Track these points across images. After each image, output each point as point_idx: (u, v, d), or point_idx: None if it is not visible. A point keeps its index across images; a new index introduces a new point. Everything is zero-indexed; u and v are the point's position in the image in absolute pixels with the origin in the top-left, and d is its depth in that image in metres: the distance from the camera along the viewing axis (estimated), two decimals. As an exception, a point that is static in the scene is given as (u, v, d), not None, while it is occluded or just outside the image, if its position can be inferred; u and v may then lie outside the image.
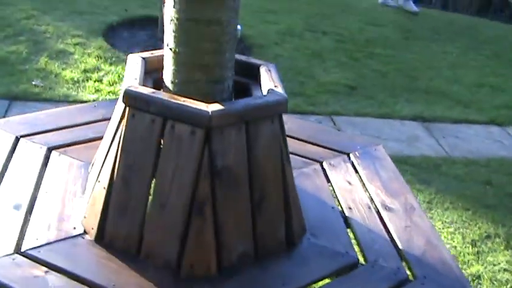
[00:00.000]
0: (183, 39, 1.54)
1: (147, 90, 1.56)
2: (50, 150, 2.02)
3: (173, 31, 1.55)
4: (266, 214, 1.65)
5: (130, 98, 1.54)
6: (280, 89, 1.65)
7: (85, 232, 1.66)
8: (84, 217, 1.69)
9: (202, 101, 1.51)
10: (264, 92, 1.67)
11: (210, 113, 1.47)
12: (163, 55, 1.71)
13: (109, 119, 1.95)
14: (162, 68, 1.70)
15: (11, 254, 1.52)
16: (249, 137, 1.56)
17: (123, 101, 1.55)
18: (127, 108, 1.56)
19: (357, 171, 2.17)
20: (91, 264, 1.58)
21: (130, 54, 1.76)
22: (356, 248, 1.78)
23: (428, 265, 1.74)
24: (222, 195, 1.55)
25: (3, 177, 1.84)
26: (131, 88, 1.54)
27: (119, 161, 1.58)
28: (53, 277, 1.47)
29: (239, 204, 1.60)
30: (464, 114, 4.13)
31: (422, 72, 4.92)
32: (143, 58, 1.76)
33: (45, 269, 1.49)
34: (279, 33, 5.19)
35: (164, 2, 1.59)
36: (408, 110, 4.14)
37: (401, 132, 3.84)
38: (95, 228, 1.63)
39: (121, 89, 1.67)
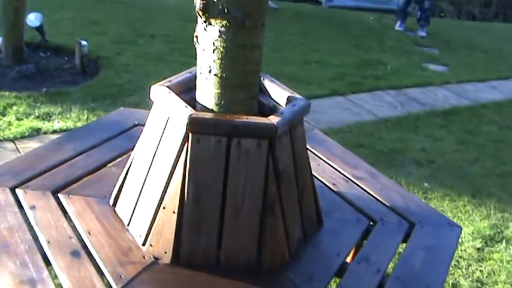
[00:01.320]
0: (230, 64, 1.73)
1: (209, 115, 1.72)
2: (55, 193, 2.00)
3: (218, 58, 1.72)
4: (307, 201, 1.94)
5: (195, 124, 1.68)
6: (297, 95, 1.93)
7: (156, 258, 1.76)
8: (151, 245, 1.77)
9: (250, 116, 1.73)
10: (281, 100, 1.92)
11: (276, 124, 1.70)
12: (182, 80, 1.87)
13: (83, 151, 2.20)
14: (183, 92, 1.86)
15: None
16: (292, 139, 1.83)
17: (187, 128, 1.68)
18: (190, 134, 1.69)
19: (315, 154, 2.53)
20: (183, 283, 1.70)
21: (156, 87, 1.86)
22: (359, 214, 2.16)
23: (415, 212, 2.20)
24: (285, 193, 1.80)
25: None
26: (194, 116, 1.68)
27: (188, 185, 1.71)
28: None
29: (293, 198, 1.86)
30: (311, 91, 4.74)
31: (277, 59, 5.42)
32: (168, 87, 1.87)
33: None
34: (113, 42, 5.22)
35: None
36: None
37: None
38: (169, 251, 1.75)
39: (172, 116, 1.75)
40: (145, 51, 5.17)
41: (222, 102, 1.77)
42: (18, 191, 1.99)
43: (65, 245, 1.76)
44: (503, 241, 3.06)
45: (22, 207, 1.91)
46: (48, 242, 1.76)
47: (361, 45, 6.64)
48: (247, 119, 1.72)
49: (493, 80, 6.35)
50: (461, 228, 2.18)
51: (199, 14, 1.71)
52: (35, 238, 1.78)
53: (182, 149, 1.72)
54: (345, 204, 2.19)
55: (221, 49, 1.71)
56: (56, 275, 1.65)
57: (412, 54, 6.76)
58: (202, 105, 1.81)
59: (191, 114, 1.68)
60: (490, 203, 3.42)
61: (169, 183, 1.75)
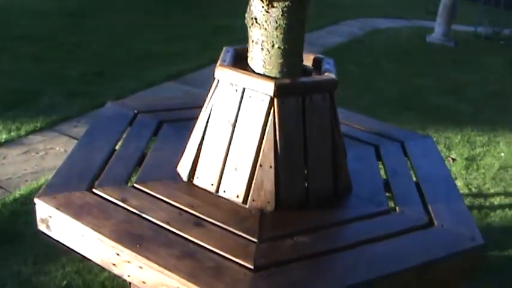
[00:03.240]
0: (290, 38, 2.07)
1: (287, 81, 2.07)
2: (127, 184, 2.18)
3: (281, 33, 2.05)
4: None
5: (281, 89, 2.02)
6: (320, 55, 2.35)
7: (261, 210, 2.08)
8: (253, 200, 2.09)
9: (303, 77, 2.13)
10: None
11: (336, 79, 2.12)
12: (231, 59, 2.18)
13: (116, 144, 2.41)
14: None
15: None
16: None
17: (274, 94, 2.01)
18: (275, 99, 2.03)
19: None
20: (294, 221, 2.07)
21: (221, 68, 2.13)
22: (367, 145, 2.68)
23: (397, 134, 2.79)
24: (340, 136, 2.24)
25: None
26: (279, 83, 2.02)
27: (279, 142, 2.06)
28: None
29: (342, 139, 2.30)
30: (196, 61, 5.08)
31: (138, 40, 5.56)
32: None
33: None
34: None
35: None
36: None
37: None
38: (272, 201, 2.08)
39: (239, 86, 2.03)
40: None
41: (285, 69, 2.12)
42: (96, 191, 2.10)
43: (184, 220, 1.98)
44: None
45: (114, 203, 2.05)
46: (168, 223, 1.96)
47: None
48: (312, 79, 2.10)
49: (328, 25, 7.32)
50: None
51: (261, 0, 2.02)
52: (154, 223, 1.96)
53: (269, 112, 2.04)
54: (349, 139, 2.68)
55: (283, 26, 2.05)
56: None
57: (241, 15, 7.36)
58: (265, 74, 2.13)
59: (276, 83, 2.01)
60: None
61: (261, 144, 2.06)
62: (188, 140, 2.28)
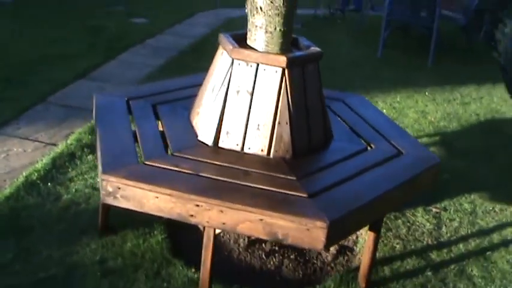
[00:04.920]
0: (288, 22, 2.63)
1: (296, 55, 2.63)
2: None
3: (282, 18, 2.60)
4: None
5: (291, 62, 2.58)
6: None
7: (283, 158, 2.64)
8: (276, 151, 2.63)
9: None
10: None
11: (321, 51, 2.74)
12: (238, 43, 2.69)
13: None
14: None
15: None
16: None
17: (286, 66, 2.57)
18: (286, 70, 2.59)
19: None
20: (311, 163, 2.65)
21: (236, 48, 2.61)
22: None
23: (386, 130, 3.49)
24: (323, 97, 2.87)
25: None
26: (290, 57, 2.58)
27: (291, 103, 2.62)
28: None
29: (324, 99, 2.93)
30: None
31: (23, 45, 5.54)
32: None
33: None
34: None
35: None
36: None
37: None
38: (290, 150, 2.63)
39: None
40: None
41: (283, 47, 2.68)
42: (148, 162, 2.48)
43: (233, 173, 2.46)
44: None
45: (170, 169, 2.45)
46: (222, 176, 2.43)
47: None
48: (306, 52, 2.70)
49: (187, 18, 7.83)
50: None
51: (267, -10, 2.55)
52: (212, 178, 2.41)
53: (282, 80, 2.59)
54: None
55: (283, 12, 2.61)
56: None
57: (114, 14, 7.61)
58: (268, 51, 2.66)
59: (287, 57, 2.57)
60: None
61: (278, 105, 2.60)
62: (193, 115, 2.73)
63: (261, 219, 2.20)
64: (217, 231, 2.47)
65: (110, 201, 2.36)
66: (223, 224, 2.26)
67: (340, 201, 2.32)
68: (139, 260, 2.76)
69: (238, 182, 2.38)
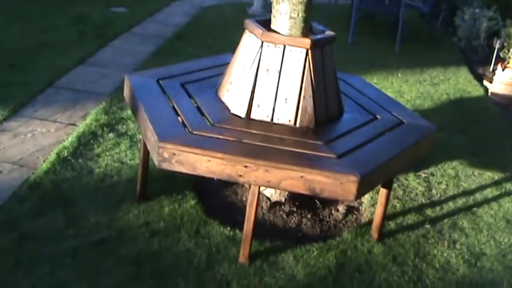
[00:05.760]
0: (308, 9, 3.02)
1: (316, 38, 3.02)
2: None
3: (304, 6, 2.99)
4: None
5: (314, 44, 2.97)
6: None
7: (307, 127, 3.03)
8: (301, 121, 3.02)
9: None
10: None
11: (334, 34, 3.15)
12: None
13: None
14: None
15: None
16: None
17: (310, 48, 2.96)
18: (310, 51, 2.98)
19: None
20: (330, 129, 3.06)
21: (265, 31, 2.98)
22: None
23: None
24: (336, 74, 3.28)
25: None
26: (313, 40, 2.97)
27: (314, 79, 3.02)
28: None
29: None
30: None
31: (15, 35, 5.70)
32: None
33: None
34: None
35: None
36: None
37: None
38: (312, 120, 3.02)
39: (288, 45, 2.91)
40: None
41: (304, 31, 3.07)
42: (196, 132, 2.83)
43: (270, 139, 2.84)
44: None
45: (216, 137, 2.81)
46: (262, 141, 2.80)
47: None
48: (324, 35, 3.09)
49: (165, 7, 8.09)
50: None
51: (293, -18, 2.93)
52: (254, 144, 2.78)
53: (306, 60, 2.97)
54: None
55: (305, 1, 2.99)
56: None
57: (94, 3, 7.80)
58: (290, 35, 3.04)
59: (311, 39, 2.96)
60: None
61: (302, 81, 2.99)
62: (222, 92, 3.09)
63: (302, 176, 2.58)
64: (260, 189, 2.83)
65: (165, 166, 2.69)
66: (268, 182, 2.63)
67: (365, 160, 2.73)
68: (179, 222, 3.10)
69: (277, 146, 2.75)
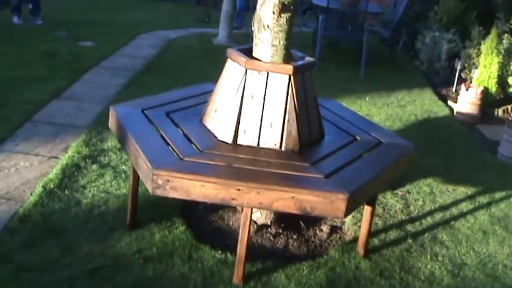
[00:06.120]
0: (288, 37, 3.17)
1: (297, 64, 3.16)
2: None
3: (284, 35, 3.14)
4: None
5: (296, 72, 3.10)
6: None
7: (292, 150, 3.16)
8: (287, 144, 3.14)
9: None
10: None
11: (314, 60, 3.30)
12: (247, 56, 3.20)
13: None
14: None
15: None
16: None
17: (292, 75, 3.09)
18: (292, 77, 3.12)
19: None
20: (310, 154, 3.19)
21: (248, 59, 3.11)
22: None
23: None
24: (316, 98, 3.43)
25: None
26: (295, 67, 3.11)
27: (297, 105, 3.15)
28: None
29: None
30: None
31: None
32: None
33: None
34: None
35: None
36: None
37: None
38: (297, 143, 3.14)
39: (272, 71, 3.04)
40: None
41: (286, 57, 3.21)
42: (186, 159, 2.92)
43: (258, 163, 2.95)
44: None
45: (207, 163, 2.90)
46: (252, 165, 2.91)
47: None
48: (304, 61, 3.24)
49: (130, 41, 8.21)
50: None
51: (275, 13, 3.08)
52: (244, 168, 2.89)
53: (289, 85, 3.11)
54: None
55: (286, 29, 3.14)
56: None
57: (61, 39, 7.83)
58: (272, 62, 3.18)
59: (293, 66, 3.10)
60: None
61: (286, 106, 3.11)
62: (207, 119, 3.20)
63: (293, 197, 2.69)
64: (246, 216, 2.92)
65: (159, 192, 2.76)
66: (260, 203, 2.73)
67: (351, 179, 2.86)
68: (171, 248, 3.16)
69: (266, 169, 2.86)
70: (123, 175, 3.91)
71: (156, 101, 3.66)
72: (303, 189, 2.70)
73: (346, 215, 2.76)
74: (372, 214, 3.27)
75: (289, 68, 3.07)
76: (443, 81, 7.64)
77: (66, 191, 3.62)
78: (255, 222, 3.54)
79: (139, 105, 3.54)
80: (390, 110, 6.08)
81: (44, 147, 4.24)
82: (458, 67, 7.03)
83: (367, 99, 6.43)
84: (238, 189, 2.71)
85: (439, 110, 6.25)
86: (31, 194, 3.53)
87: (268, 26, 3.11)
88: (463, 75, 7.04)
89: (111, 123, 3.46)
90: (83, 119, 4.88)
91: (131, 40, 8.46)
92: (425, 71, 8.03)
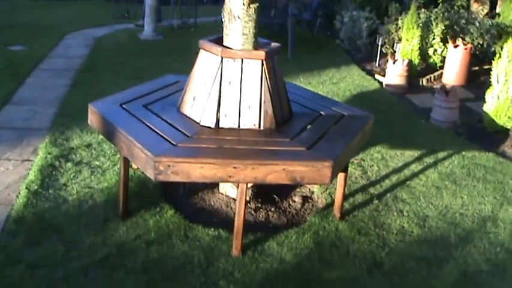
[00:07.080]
0: (256, 26, 3.47)
1: (269, 51, 3.45)
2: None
3: (253, 24, 3.42)
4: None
5: (267, 58, 3.39)
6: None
7: (270, 129, 3.46)
8: (264, 124, 3.44)
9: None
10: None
11: (280, 45, 3.61)
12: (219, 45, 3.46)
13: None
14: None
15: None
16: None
17: (264, 62, 3.38)
18: (265, 62, 3.42)
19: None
20: (285, 130, 3.51)
21: (223, 48, 3.37)
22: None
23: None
24: (283, 79, 3.74)
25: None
26: (267, 53, 3.41)
27: (271, 88, 3.45)
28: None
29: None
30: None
31: None
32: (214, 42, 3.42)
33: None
34: None
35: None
36: None
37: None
38: (273, 122, 3.45)
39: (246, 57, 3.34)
40: None
41: (255, 45, 3.50)
42: (180, 145, 3.15)
43: (245, 142, 3.23)
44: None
45: (200, 147, 3.15)
46: (238, 145, 3.19)
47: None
48: (272, 47, 3.55)
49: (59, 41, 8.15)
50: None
51: (245, 4, 3.35)
52: (234, 148, 3.16)
53: (262, 70, 3.39)
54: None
55: (254, 19, 3.42)
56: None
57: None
58: (245, 50, 3.45)
59: (265, 51, 3.39)
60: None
61: (261, 89, 3.39)
62: (186, 108, 3.44)
63: (284, 169, 3.00)
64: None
65: (162, 178, 2.98)
66: (255, 178, 3.01)
67: (330, 149, 3.21)
68: (167, 231, 3.38)
69: (254, 147, 3.15)
70: (99, 170, 4.05)
71: (129, 95, 3.83)
72: (293, 161, 3.01)
73: (331, 181, 3.10)
74: (346, 179, 3.65)
75: (262, 53, 3.36)
76: (365, 57, 8.19)
77: (50, 190, 3.72)
78: (234, 200, 3.82)
79: (116, 101, 3.69)
80: (326, 88, 6.50)
81: (12, 151, 4.28)
82: (380, 42, 7.57)
83: (301, 79, 6.82)
84: (235, 167, 2.97)
85: (369, 84, 6.76)
86: (17, 197, 3.60)
87: (238, 17, 3.37)
88: (383, 50, 7.60)
89: (92, 119, 3.60)
90: (41, 121, 4.92)
91: (60, 41, 8.40)
92: (347, 49, 8.55)
